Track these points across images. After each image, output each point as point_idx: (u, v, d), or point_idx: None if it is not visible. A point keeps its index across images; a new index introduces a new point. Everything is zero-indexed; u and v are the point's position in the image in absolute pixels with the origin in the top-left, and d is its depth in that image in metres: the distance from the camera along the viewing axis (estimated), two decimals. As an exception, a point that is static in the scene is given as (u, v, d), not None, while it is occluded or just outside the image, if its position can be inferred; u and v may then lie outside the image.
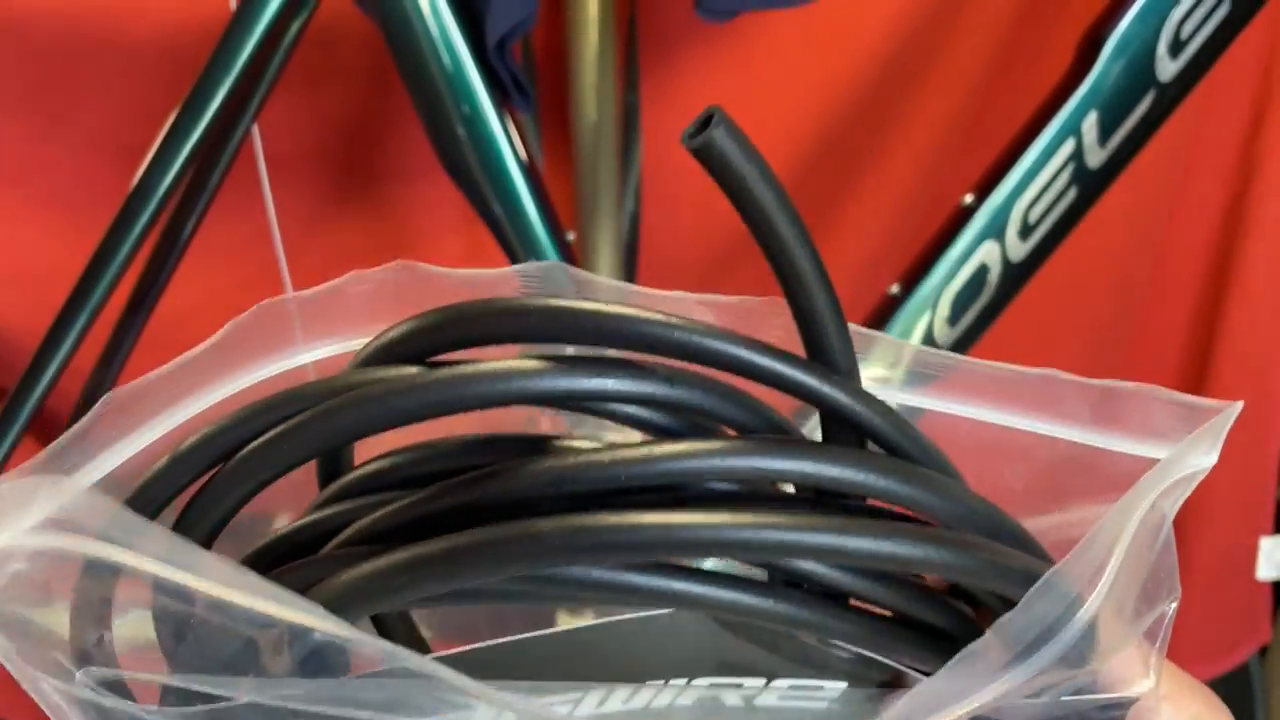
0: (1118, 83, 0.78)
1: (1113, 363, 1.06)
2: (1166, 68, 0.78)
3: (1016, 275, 0.80)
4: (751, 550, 0.24)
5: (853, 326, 0.27)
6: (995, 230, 0.78)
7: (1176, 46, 0.78)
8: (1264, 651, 1.14)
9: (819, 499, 0.26)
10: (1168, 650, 0.28)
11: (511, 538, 0.23)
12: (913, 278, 0.79)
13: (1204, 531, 1.07)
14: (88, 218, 0.78)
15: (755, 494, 0.26)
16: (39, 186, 0.84)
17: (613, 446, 0.25)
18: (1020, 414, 0.30)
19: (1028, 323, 0.87)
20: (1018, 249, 0.79)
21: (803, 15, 0.80)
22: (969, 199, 0.79)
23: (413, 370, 0.26)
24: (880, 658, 0.29)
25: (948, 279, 0.79)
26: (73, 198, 0.84)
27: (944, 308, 0.79)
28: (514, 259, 0.76)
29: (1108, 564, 0.24)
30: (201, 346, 0.28)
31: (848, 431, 0.26)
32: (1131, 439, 0.29)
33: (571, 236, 0.79)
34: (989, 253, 0.79)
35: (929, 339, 0.79)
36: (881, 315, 0.80)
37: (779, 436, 0.26)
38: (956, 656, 0.24)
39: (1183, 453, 0.26)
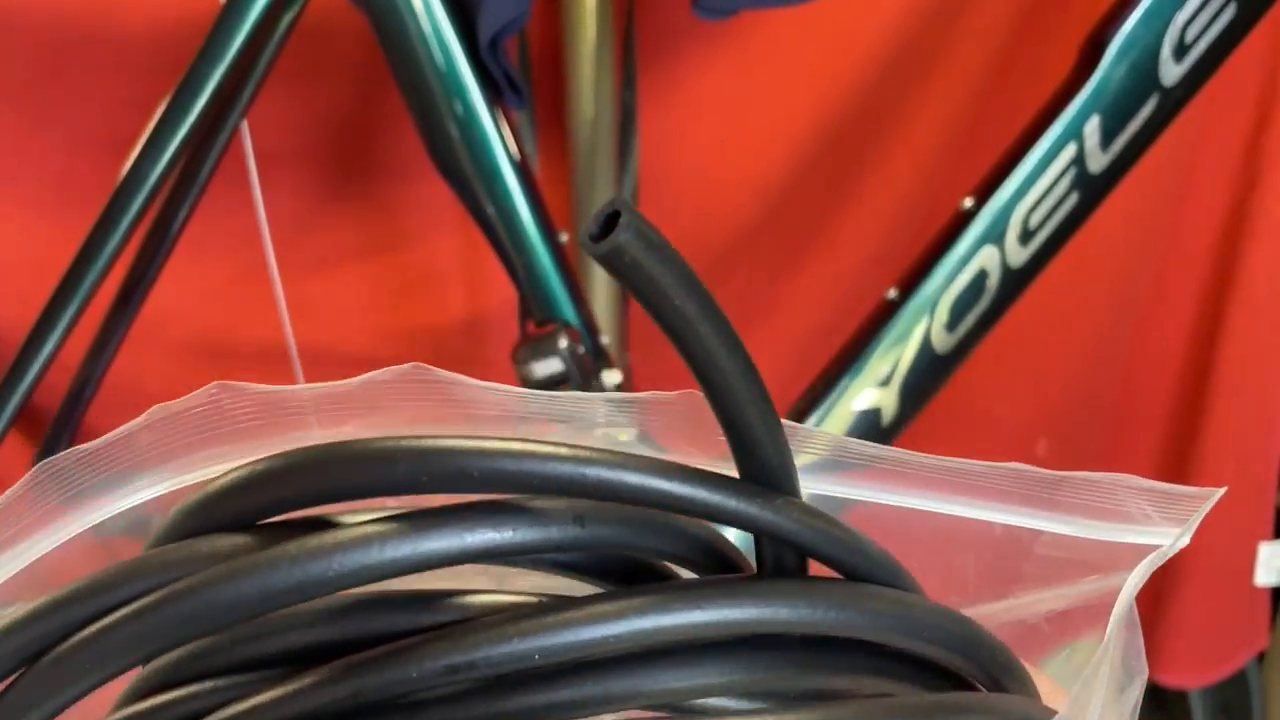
0: (1121, 86, 0.77)
1: (1114, 369, 1.05)
2: (1170, 71, 0.77)
3: (1016, 281, 0.79)
4: None
5: (787, 424, 0.24)
6: (995, 235, 0.77)
7: (1181, 50, 0.77)
8: (1262, 657, 1.13)
9: (766, 641, 0.23)
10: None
11: None
12: (911, 282, 0.78)
13: (1202, 537, 1.05)
14: (76, 211, 0.77)
15: (695, 645, 0.22)
16: (27, 179, 0.84)
17: (516, 613, 0.21)
18: (976, 502, 0.28)
19: (1027, 329, 0.86)
20: (1018, 254, 0.78)
21: (803, 14, 0.79)
22: (969, 203, 0.78)
23: (244, 543, 0.21)
24: None
25: (946, 284, 0.78)
26: (61, 190, 0.83)
27: (942, 313, 0.78)
28: (506, 260, 0.75)
29: (1094, 689, 0.23)
30: None
31: (790, 554, 0.23)
32: (1096, 523, 0.28)
33: (565, 238, 0.79)
34: (988, 258, 0.78)
35: (927, 344, 0.78)
36: (879, 320, 0.79)
37: (717, 581, 0.23)
38: None
39: (1164, 554, 0.25)
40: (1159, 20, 0.76)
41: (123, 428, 0.23)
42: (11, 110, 0.82)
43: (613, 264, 0.20)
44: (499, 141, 0.73)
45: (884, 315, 0.79)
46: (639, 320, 0.88)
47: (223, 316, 0.87)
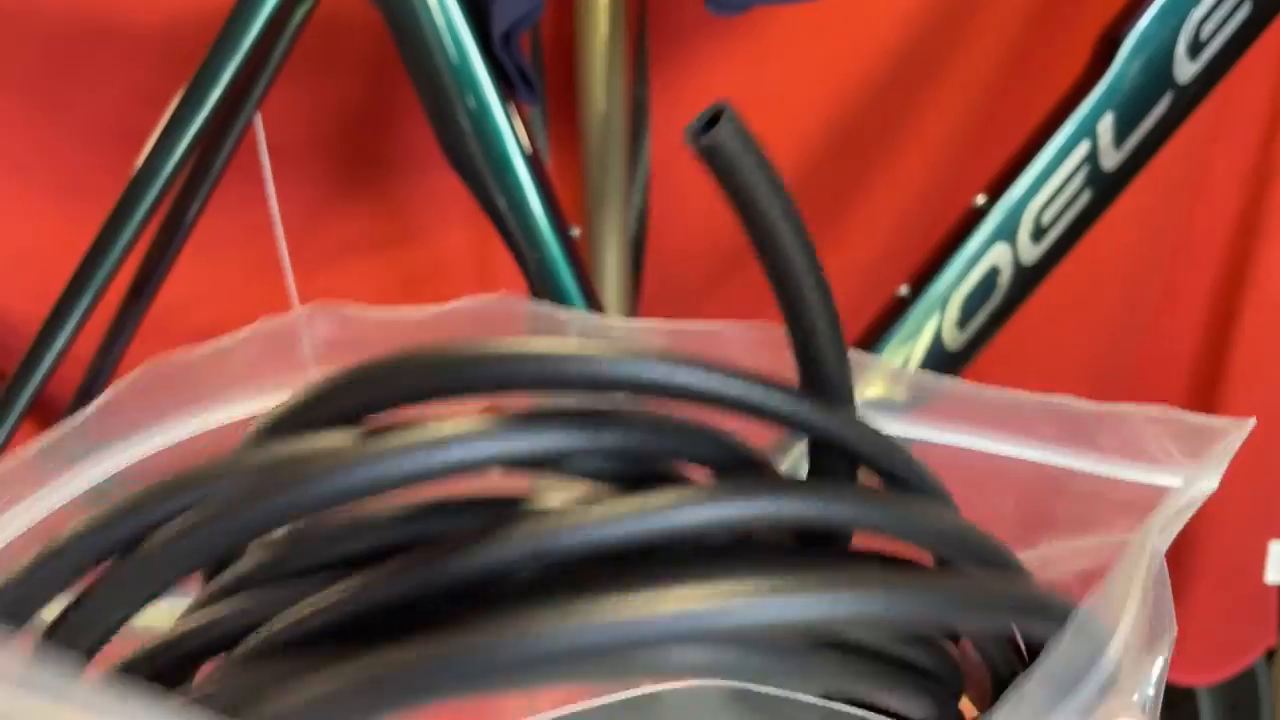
0: (1135, 84, 0.77)
1: (1125, 368, 1.05)
2: (1185, 69, 0.77)
3: (1028, 278, 0.79)
4: (766, 630, 0.21)
5: (851, 351, 0.24)
6: (1007, 232, 0.77)
7: (1196, 47, 0.77)
8: (1271, 655, 1.13)
9: (814, 541, 0.24)
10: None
11: (506, 642, 0.19)
12: (922, 279, 0.78)
13: (1213, 534, 1.06)
14: (89, 204, 0.77)
15: (743, 544, 0.23)
16: (41, 172, 0.84)
17: (579, 506, 0.21)
18: (1017, 441, 0.29)
19: (1039, 326, 0.86)
20: (1030, 252, 0.78)
21: (815, 10, 0.79)
22: (981, 200, 0.78)
23: (339, 440, 0.21)
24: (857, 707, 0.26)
25: (958, 281, 0.78)
26: (74, 183, 0.84)
27: (953, 310, 0.78)
28: (518, 254, 0.75)
29: (1129, 597, 0.23)
30: (78, 417, 0.23)
31: (841, 462, 0.24)
32: (1131, 464, 0.28)
33: (576, 232, 0.79)
34: (1000, 255, 0.78)
35: (938, 342, 0.78)
36: (890, 317, 0.79)
37: (774, 482, 0.24)
38: (1005, 699, 0.22)
39: (1190, 482, 0.25)
40: (1174, 17, 0.76)
41: (222, 339, 0.25)
42: (24, 103, 0.82)
43: (710, 158, 0.21)
44: (511, 135, 0.73)
45: (895, 311, 0.79)
46: (647, 315, 0.88)
47: (235, 309, 0.87)
